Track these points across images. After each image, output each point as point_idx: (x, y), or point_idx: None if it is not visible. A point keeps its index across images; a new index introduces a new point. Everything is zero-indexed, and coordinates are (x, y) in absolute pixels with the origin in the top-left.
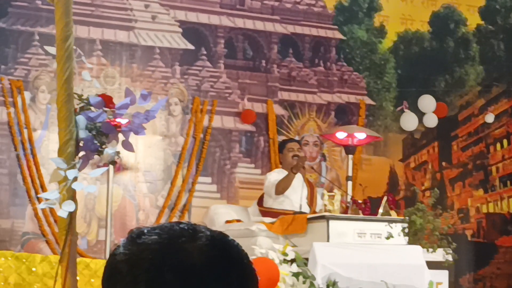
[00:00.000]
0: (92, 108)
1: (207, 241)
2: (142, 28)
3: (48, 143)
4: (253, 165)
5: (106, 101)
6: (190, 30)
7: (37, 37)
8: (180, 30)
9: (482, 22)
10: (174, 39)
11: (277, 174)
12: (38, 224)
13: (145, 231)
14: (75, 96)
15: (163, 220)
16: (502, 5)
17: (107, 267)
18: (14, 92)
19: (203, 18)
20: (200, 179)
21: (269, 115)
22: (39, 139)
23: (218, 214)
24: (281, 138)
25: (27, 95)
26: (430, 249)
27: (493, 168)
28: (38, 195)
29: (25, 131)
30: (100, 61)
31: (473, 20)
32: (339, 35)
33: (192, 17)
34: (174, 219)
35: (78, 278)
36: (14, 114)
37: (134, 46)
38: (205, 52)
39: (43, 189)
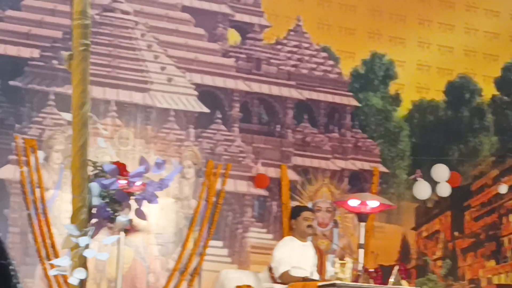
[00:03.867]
0: (106, 175)
1: None
2: (158, 90)
3: (60, 203)
4: (265, 230)
5: (120, 168)
6: (205, 93)
7: (52, 97)
8: (196, 93)
9: (498, 93)
10: (190, 101)
11: (286, 250)
12: (48, 285)
13: None
14: (90, 162)
15: (172, 284)
16: None
17: None
18: (28, 151)
19: (219, 82)
20: (212, 242)
21: (282, 180)
22: (51, 198)
23: (228, 279)
24: (294, 203)
25: (40, 154)
26: None
27: (506, 239)
28: (50, 262)
29: (37, 191)
30: (115, 122)
31: (489, 91)
32: (354, 102)
33: (208, 80)
34: (184, 283)
35: None
36: (27, 173)
37: (149, 108)
38: (220, 116)
39: (54, 249)
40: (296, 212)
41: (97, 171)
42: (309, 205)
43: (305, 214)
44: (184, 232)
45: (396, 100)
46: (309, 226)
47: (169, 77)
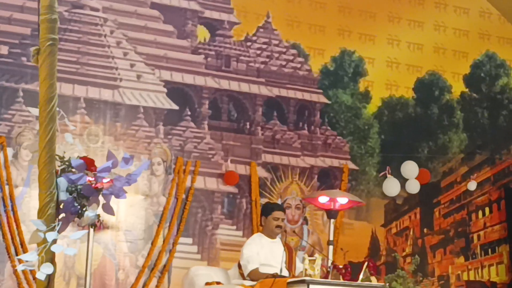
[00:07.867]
0: (74, 170)
1: None
2: (127, 87)
3: (29, 199)
4: (234, 227)
5: (88, 163)
6: (175, 90)
7: (21, 94)
8: (165, 90)
9: (467, 90)
10: (159, 98)
11: (254, 248)
12: (17, 282)
13: None
14: (57, 157)
15: (142, 280)
16: (486, 73)
17: None
18: None
19: (188, 79)
20: (181, 239)
21: (252, 177)
22: (20, 195)
23: (198, 276)
24: (264, 200)
25: (9, 151)
26: None
27: (475, 236)
28: (18, 257)
29: (7, 188)
30: (84, 119)
31: (458, 88)
32: (323, 99)
33: (177, 77)
34: (154, 280)
35: None
36: None
37: (118, 105)
38: (189, 113)
39: (23, 246)
40: (267, 210)
41: (64, 166)
42: (279, 201)
43: (276, 213)
44: (154, 229)
45: (365, 97)
46: (278, 226)
47: (138, 74)
